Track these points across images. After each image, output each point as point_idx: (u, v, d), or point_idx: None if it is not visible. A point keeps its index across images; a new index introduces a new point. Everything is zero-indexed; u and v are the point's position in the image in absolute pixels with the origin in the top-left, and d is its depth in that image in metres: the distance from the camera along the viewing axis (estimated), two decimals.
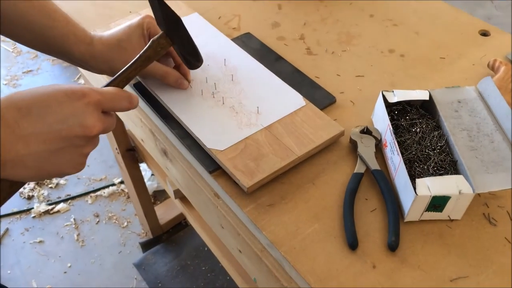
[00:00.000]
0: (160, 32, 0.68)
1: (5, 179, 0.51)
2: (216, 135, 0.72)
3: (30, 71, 2.50)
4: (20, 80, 2.44)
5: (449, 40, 0.92)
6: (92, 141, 0.55)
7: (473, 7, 2.85)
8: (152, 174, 1.91)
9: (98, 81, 0.98)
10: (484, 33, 0.93)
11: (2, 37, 2.70)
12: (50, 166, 0.51)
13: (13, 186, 0.53)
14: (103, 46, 0.72)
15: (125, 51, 0.72)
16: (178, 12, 0.94)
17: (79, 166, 0.55)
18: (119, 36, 0.73)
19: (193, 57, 0.74)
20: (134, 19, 0.74)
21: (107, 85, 0.62)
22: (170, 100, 0.77)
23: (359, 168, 0.69)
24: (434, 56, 0.89)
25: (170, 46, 0.69)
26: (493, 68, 0.83)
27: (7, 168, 0.48)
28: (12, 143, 0.47)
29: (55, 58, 2.61)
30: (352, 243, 0.61)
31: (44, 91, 0.51)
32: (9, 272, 1.69)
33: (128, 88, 0.84)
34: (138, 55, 0.66)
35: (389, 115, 0.70)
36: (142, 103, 0.82)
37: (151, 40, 0.67)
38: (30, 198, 1.93)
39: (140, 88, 0.81)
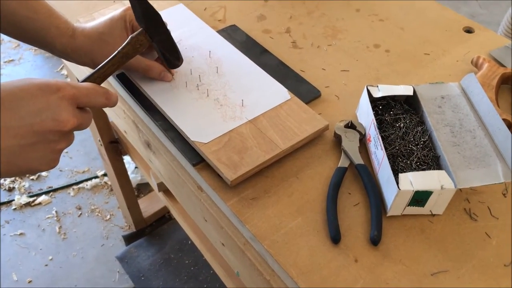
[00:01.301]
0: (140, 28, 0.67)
1: None
2: (200, 128, 0.71)
3: (12, 60, 2.45)
4: (1, 70, 2.39)
5: (433, 36, 0.92)
6: (66, 137, 0.53)
7: (458, 5, 2.88)
8: (136, 167, 1.89)
9: (81, 72, 0.97)
10: (468, 30, 0.94)
11: None
12: (21, 161, 0.49)
13: None
14: (85, 39, 0.71)
15: (107, 44, 0.71)
16: (162, 2, 0.93)
17: (52, 162, 0.53)
18: (100, 29, 0.72)
19: (172, 56, 0.73)
20: (116, 11, 0.73)
21: (83, 81, 0.60)
22: (154, 92, 0.76)
23: (343, 163, 0.69)
24: (419, 52, 0.89)
25: (149, 44, 0.68)
26: (476, 64, 0.84)
27: None
28: None
29: (38, 48, 2.57)
30: (335, 237, 0.61)
31: (17, 84, 0.49)
32: None
33: (111, 79, 0.83)
34: (116, 52, 0.64)
35: (373, 110, 0.70)
36: (125, 94, 0.81)
37: (129, 36, 0.66)
38: (11, 190, 1.89)
39: (123, 79, 0.80)
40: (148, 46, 0.69)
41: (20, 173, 0.51)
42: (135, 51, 0.67)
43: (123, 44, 0.66)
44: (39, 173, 1.93)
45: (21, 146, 0.48)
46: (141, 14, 0.66)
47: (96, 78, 0.62)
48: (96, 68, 0.62)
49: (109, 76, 0.64)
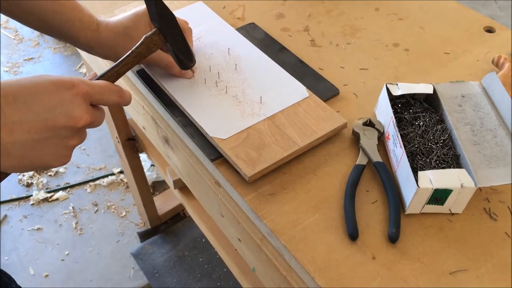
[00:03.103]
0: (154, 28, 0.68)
1: None
2: (218, 124, 0.72)
3: (31, 58, 2.49)
4: (21, 67, 2.43)
5: (454, 36, 0.92)
6: (78, 133, 0.53)
7: (477, 7, 2.85)
8: (152, 165, 1.91)
9: (101, 69, 0.98)
10: (489, 30, 0.93)
11: (4, 24, 2.69)
12: (33, 156, 0.50)
13: None
14: (109, 33, 0.72)
15: (131, 39, 0.72)
16: (183, 1, 0.94)
17: (64, 158, 0.53)
18: (125, 23, 0.72)
19: (186, 57, 0.73)
20: (141, 7, 0.74)
21: (98, 79, 0.61)
22: (173, 88, 0.77)
23: (361, 160, 0.69)
24: (439, 51, 0.88)
25: (163, 44, 0.69)
26: (497, 64, 0.83)
27: None
28: None
29: (57, 46, 2.61)
30: (352, 234, 0.61)
31: (32, 80, 0.49)
32: (6, 258, 1.69)
33: (130, 74, 0.84)
34: (130, 51, 0.65)
35: (392, 108, 0.70)
36: (144, 90, 0.82)
37: (143, 36, 0.67)
38: (29, 185, 1.92)
39: (143, 76, 0.81)
40: (161, 47, 0.69)
41: (32, 168, 0.51)
42: (148, 50, 0.67)
43: (137, 44, 0.66)
44: (56, 170, 1.96)
45: (34, 141, 0.49)
46: (156, 14, 0.66)
47: (110, 76, 0.62)
48: (110, 67, 0.63)
49: (123, 74, 0.64)
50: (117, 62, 0.63)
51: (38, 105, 0.48)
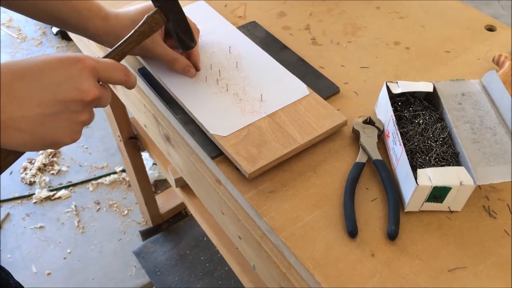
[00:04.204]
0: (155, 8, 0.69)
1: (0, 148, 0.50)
2: (219, 121, 0.72)
3: None
4: None
5: (454, 34, 0.92)
6: (87, 108, 0.53)
7: (479, 6, 2.84)
8: (154, 164, 1.91)
9: None
10: (490, 28, 0.93)
11: (7, 23, 2.70)
12: (45, 131, 0.50)
13: (8, 158, 0.52)
14: (118, 22, 0.73)
15: None
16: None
17: (75, 135, 0.53)
18: (133, 15, 0.73)
19: (187, 36, 0.74)
20: (150, 2, 0.74)
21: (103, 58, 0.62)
22: (174, 86, 0.77)
23: (361, 158, 0.69)
24: (439, 49, 0.89)
25: (165, 23, 0.70)
26: (498, 63, 0.83)
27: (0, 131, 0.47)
28: (5, 105, 0.47)
29: (60, 45, 2.61)
30: (352, 231, 0.61)
31: (39, 58, 0.50)
32: (9, 256, 1.70)
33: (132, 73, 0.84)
34: (133, 30, 0.66)
35: (392, 106, 0.70)
36: (146, 88, 0.82)
37: (145, 15, 0.68)
38: (31, 183, 1.93)
39: (144, 73, 0.81)
40: (162, 26, 0.70)
41: (44, 145, 0.52)
42: (151, 29, 0.68)
43: (140, 23, 0.67)
44: (59, 168, 1.97)
45: (44, 115, 0.49)
46: None
47: (115, 56, 0.63)
48: (114, 46, 0.64)
49: (127, 54, 0.65)
50: (121, 42, 0.64)
51: (47, 80, 0.49)
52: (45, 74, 0.49)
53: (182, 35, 0.73)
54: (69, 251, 1.72)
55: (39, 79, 0.49)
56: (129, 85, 0.59)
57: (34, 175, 1.96)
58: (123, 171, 1.97)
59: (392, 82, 0.73)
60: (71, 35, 1.12)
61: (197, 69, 0.79)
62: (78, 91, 0.51)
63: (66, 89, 0.50)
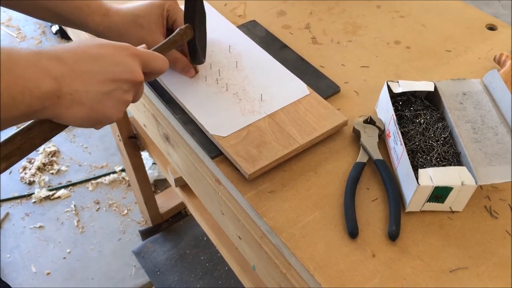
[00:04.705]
0: (183, 20, 0.73)
1: (50, 121, 0.53)
2: (219, 121, 0.71)
3: None
4: None
5: (455, 33, 0.91)
6: (133, 89, 0.59)
7: (480, 5, 2.83)
8: (153, 163, 1.91)
9: None
10: (491, 27, 0.93)
11: (6, 22, 2.70)
12: (100, 108, 0.55)
13: (53, 131, 0.55)
14: (119, 19, 0.73)
15: (141, 28, 0.73)
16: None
17: (120, 113, 0.58)
18: (137, 12, 0.73)
19: (203, 52, 0.78)
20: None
21: None
22: (174, 86, 0.77)
23: (362, 158, 0.69)
24: (440, 49, 0.88)
25: (192, 37, 0.73)
26: (499, 62, 0.83)
27: (63, 103, 0.51)
28: (72, 79, 0.51)
29: (59, 45, 2.60)
30: (352, 232, 0.61)
31: (94, 42, 0.56)
32: (8, 256, 1.69)
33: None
34: (168, 38, 0.70)
35: (393, 105, 0.69)
36: (145, 88, 0.82)
37: (179, 28, 0.71)
38: (31, 183, 1.93)
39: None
40: (190, 38, 0.73)
41: (98, 121, 0.57)
42: (181, 40, 0.72)
43: (174, 33, 0.71)
44: (58, 168, 1.96)
45: (102, 93, 0.55)
46: (193, 10, 0.71)
47: None
48: (152, 49, 0.67)
49: None
50: (155, 47, 0.68)
51: (105, 62, 0.55)
52: (103, 56, 0.55)
53: (200, 51, 0.76)
54: (68, 250, 1.72)
55: (99, 61, 0.54)
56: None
57: (33, 175, 1.95)
58: (123, 170, 1.96)
59: (392, 81, 0.72)
60: (70, 34, 1.11)
61: (195, 70, 0.79)
62: (130, 73, 0.57)
63: (121, 70, 0.56)
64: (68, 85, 0.51)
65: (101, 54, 0.55)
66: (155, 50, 0.67)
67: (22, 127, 0.54)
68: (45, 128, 0.54)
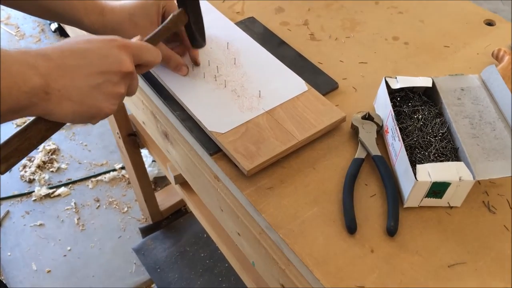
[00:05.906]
0: (178, 8, 0.73)
1: (44, 120, 0.54)
2: (217, 118, 0.72)
3: None
4: None
5: (454, 29, 0.91)
6: (124, 80, 0.59)
7: (479, 1, 2.83)
8: (153, 161, 1.91)
9: None
10: (490, 23, 0.93)
11: (5, 21, 2.69)
12: (90, 101, 0.56)
13: (49, 130, 0.56)
14: (114, 16, 0.73)
15: (136, 26, 0.73)
16: None
17: (113, 106, 0.59)
18: (132, 10, 0.73)
19: (201, 35, 0.77)
20: None
21: None
22: (172, 83, 0.77)
23: (360, 154, 0.69)
24: (439, 44, 0.88)
25: (186, 22, 0.73)
26: (497, 57, 0.83)
27: (52, 99, 0.52)
28: (59, 75, 0.52)
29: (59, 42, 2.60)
30: (351, 227, 0.61)
31: (81, 37, 0.57)
32: (9, 254, 1.70)
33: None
34: (161, 25, 0.70)
35: (391, 101, 0.69)
36: (144, 85, 0.82)
37: (171, 14, 0.71)
38: (31, 181, 1.93)
39: None
40: (184, 23, 0.73)
41: (89, 116, 0.57)
42: (175, 26, 0.72)
43: (166, 20, 0.71)
44: (58, 166, 1.97)
45: (91, 86, 0.55)
46: None
47: None
48: (145, 38, 0.67)
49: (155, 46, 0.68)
50: (148, 36, 0.68)
51: (92, 56, 0.55)
52: (90, 50, 0.56)
53: (198, 35, 0.76)
54: (69, 248, 1.72)
55: (85, 55, 0.55)
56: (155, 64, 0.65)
57: (33, 173, 1.95)
58: (123, 168, 1.96)
59: (391, 77, 0.72)
60: (69, 31, 1.11)
61: (196, 64, 0.79)
62: (117, 64, 0.57)
63: (109, 62, 0.56)
64: (55, 80, 0.52)
65: (87, 48, 0.55)
66: (149, 39, 0.67)
67: (19, 128, 0.54)
68: (41, 127, 0.55)
